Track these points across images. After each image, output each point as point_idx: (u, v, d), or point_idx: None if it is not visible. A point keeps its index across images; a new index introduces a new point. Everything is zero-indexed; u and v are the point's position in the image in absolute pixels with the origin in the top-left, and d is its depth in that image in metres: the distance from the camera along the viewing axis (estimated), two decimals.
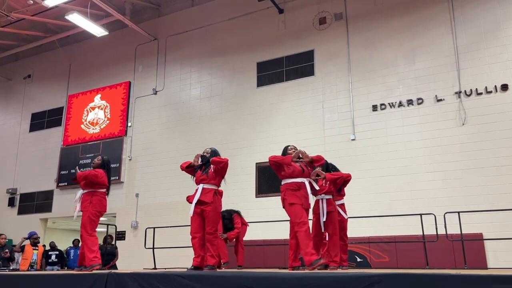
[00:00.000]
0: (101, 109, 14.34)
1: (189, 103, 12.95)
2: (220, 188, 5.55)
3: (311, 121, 11.00)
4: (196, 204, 5.27)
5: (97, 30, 12.59)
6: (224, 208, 7.47)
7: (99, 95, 14.54)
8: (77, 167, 6.34)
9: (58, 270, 10.38)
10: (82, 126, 14.53)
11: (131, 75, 14.16)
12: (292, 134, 11.03)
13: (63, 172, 14.24)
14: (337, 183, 5.88)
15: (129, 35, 14.31)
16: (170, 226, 10.20)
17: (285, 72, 11.74)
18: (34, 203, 14.65)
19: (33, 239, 10.08)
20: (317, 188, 5.47)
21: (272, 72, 11.92)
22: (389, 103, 10.29)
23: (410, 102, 10.08)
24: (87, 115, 14.56)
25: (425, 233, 7.61)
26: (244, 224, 8.06)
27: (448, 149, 9.43)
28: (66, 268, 11.27)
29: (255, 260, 9.78)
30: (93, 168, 6.16)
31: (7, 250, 9.47)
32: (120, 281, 4.32)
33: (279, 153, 11.25)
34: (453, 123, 9.54)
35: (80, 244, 5.82)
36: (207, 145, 11.27)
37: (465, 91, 9.59)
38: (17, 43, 15.57)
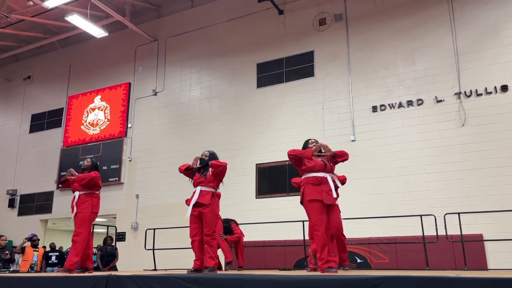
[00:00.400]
0: (101, 110, 14.35)
1: (189, 104, 12.96)
2: (218, 191, 5.56)
3: (311, 122, 11.00)
4: (194, 206, 5.27)
5: (97, 31, 12.60)
6: (222, 210, 7.51)
7: (99, 96, 14.55)
8: (72, 169, 6.34)
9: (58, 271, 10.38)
10: (82, 127, 14.54)
11: (131, 76, 14.17)
12: (292, 135, 11.03)
13: (63, 173, 14.23)
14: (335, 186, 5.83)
15: (129, 36, 14.32)
16: (170, 227, 10.20)
17: (285, 73, 11.74)
18: (34, 204, 14.66)
19: (32, 241, 10.08)
20: (339, 185, 5.01)
21: (272, 73, 11.92)
22: (389, 104, 10.30)
23: (410, 103, 10.08)
24: (87, 116, 14.57)
25: (425, 234, 7.62)
26: (242, 234, 8.15)
27: (448, 150, 9.43)
28: None
29: (256, 261, 9.78)
30: (84, 170, 6.19)
31: (7, 252, 9.47)
32: (120, 284, 4.32)
33: (279, 153, 11.34)
34: (453, 124, 9.55)
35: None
36: (207, 146, 11.32)
37: (465, 92, 9.59)
38: (17, 44, 15.58)
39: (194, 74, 13.18)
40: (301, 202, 4.98)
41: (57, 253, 11.10)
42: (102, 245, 11.01)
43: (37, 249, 10.17)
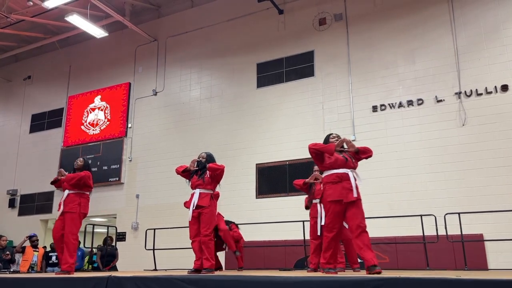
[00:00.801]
0: (101, 110, 14.35)
1: (189, 104, 12.95)
2: (216, 191, 5.59)
3: (311, 122, 10.99)
4: (193, 208, 5.30)
5: (97, 31, 12.59)
6: (223, 210, 7.53)
7: (99, 96, 14.55)
8: (62, 169, 6.35)
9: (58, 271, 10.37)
10: (82, 127, 14.54)
11: (131, 76, 14.17)
12: (292, 135, 11.04)
13: None
14: None
15: (129, 36, 14.32)
16: (171, 228, 10.21)
17: (285, 73, 11.74)
18: (34, 204, 14.66)
19: (32, 241, 10.08)
20: (360, 182, 4.72)
21: (272, 73, 11.92)
22: (389, 104, 10.29)
23: (410, 103, 10.07)
24: (87, 116, 14.57)
25: (425, 234, 7.63)
26: (240, 236, 8.17)
27: (448, 149, 9.42)
28: None
29: (256, 261, 9.79)
30: (76, 170, 6.19)
31: (8, 252, 9.48)
32: (120, 285, 4.32)
33: (279, 153, 11.33)
34: (453, 123, 9.54)
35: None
36: (207, 145, 11.36)
37: (465, 91, 9.59)
38: (17, 44, 15.57)
39: (194, 74, 13.17)
40: (321, 200, 4.85)
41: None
42: (102, 245, 11.02)
43: (37, 249, 10.17)
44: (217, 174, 5.38)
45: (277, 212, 10.50)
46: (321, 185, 6.19)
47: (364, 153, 4.73)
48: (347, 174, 4.53)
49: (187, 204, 5.44)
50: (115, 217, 13.19)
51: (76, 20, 11.88)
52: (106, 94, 14.43)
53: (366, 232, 4.42)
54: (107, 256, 10.46)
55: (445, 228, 7.52)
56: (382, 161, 9.95)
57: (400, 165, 9.75)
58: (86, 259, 11.14)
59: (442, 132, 9.57)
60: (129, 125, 13.69)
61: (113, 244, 11.33)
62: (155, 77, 13.72)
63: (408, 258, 8.74)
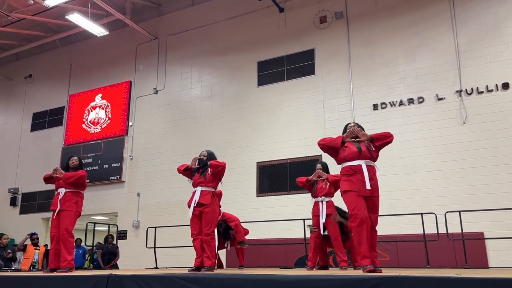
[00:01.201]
0: (102, 108, 14.36)
1: (190, 103, 12.96)
2: (219, 189, 5.60)
3: (312, 120, 10.99)
4: (195, 206, 5.31)
5: (97, 29, 12.60)
6: (224, 208, 7.53)
7: (100, 95, 14.56)
8: (58, 167, 6.39)
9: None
10: (83, 125, 14.56)
11: (132, 75, 14.18)
12: (293, 133, 11.05)
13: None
14: (338, 185, 5.51)
15: (129, 35, 14.32)
16: (172, 226, 10.23)
17: (286, 71, 11.73)
18: (36, 202, 14.69)
19: (32, 240, 10.11)
20: (378, 172, 4.48)
21: (272, 71, 11.91)
22: (389, 102, 10.28)
23: (410, 101, 10.06)
24: (88, 114, 14.58)
25: (426, 232, 7.63)
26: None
27: (449, 148, 9.42)
28: None
29: (256, 259, 9.80)
30: (72, 169, 6.23)
31: (9, 251, 9.50)
32: (121, 283, 4.33)
33: (279, 152, 11.33)
34: (454, 122, 9.53)
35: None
36: (208, 144, 11.36)
37: (466, 89, 9.57)
38: (17, 43, 15.59)
39: (194, 72, 13.18)
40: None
41: None
42: (103, 243, 11.04)
43: (38, 248, 10.19)
44: (219, 171, 5.40)
45: (278, 210, 10.51)
46: (324, 183, 6.21)
47: (379, 139, 4.44)
48: (360, 166, 4.33)
49: (190, 203, 5.45)
50: (116, 216, 13.22)
51: (76, 18, 11.89)
52: (107, 93, 14.44)
53: (375, 231, 4.32)
54: (108, 254, 10.49)
55: (446, 226, 7.53)
56: (382, 159, 9.88)
57: (400, 163, 9.74)
58: (88, 257, 11.17)
59: (443, 130, 9.56)
60: (130, 124, 13.70)
61: (114, 242, 11.36)
62: (155, 75, 13.72)
63: (409, 256, 8.75)
